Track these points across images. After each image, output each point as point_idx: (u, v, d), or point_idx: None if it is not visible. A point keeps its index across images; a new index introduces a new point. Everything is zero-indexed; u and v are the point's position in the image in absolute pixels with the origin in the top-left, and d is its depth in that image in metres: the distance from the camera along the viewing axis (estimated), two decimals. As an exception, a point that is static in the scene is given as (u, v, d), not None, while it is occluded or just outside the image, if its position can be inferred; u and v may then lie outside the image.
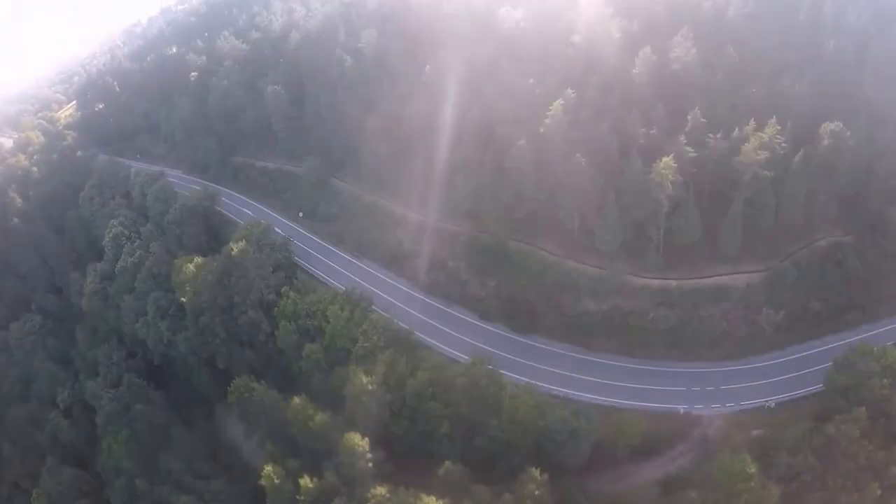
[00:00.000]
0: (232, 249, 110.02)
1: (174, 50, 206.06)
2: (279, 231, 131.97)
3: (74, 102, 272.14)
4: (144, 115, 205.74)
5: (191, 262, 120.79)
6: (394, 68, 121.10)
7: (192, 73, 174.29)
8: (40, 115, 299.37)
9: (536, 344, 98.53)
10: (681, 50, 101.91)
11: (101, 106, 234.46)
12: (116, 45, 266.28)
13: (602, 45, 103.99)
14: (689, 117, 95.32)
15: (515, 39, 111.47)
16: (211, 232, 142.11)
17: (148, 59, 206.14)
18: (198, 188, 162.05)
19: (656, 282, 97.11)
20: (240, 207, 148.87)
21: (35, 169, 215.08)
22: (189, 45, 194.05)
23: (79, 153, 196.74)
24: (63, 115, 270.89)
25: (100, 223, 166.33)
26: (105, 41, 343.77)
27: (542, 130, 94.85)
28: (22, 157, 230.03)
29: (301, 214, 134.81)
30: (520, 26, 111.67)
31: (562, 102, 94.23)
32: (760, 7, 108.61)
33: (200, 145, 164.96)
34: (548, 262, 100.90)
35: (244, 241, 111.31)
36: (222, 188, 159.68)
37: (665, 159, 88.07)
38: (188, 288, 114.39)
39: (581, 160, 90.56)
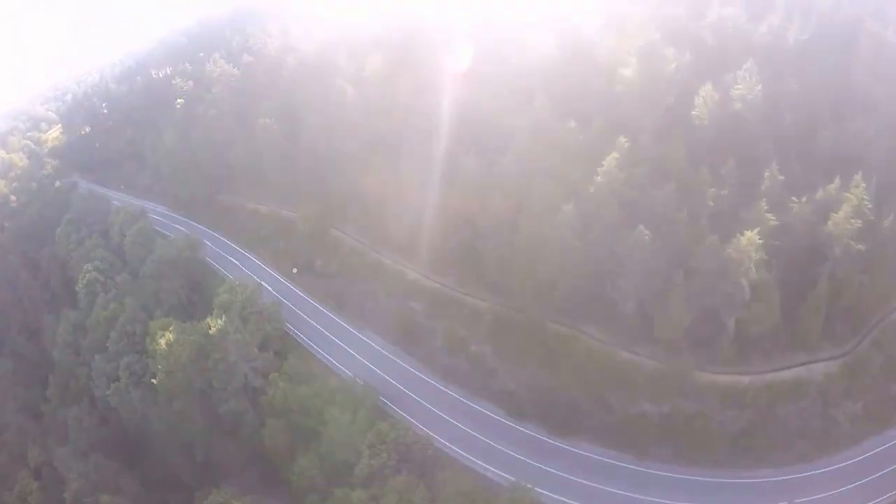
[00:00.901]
0: (210, 326, 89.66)
1: (162, 73, 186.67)
2: (269, 288, 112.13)
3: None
4: (130, 142, 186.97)
5: (166, 330, 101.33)
6: (404, 101, 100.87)
7: (178, 100, 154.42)
8: (28, 135, 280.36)
9: (579, 451, 78.15)
10: (745, 86, 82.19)
11: (87, 129, 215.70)
12: (108, 63, 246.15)
13: (656, 80, 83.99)
14: (766, 174, 75.87)
15: (549, 71, 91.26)
16: (193, 285, 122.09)
17: (135, 81, 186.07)
18: (182, 229, 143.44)
19: (725, 378, 77.26)
20: (226, 256, 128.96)
21: (13, 197, 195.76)
22: (178, 67, 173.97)
23: (57, 183, 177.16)
24: (51, 137, 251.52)
25: (75, 263, 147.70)
26: (103, 57, 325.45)
27: (592, 190, 74.79)
28: (1, 182, 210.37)
29: (295, 270, 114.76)
30: (554, 54, 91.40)
31: (616, 156, 74.11)
32: (819, 32, 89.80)
33: (185, 181, 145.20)
34: (594, 350, 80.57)
35: (224, 316, 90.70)
36: (208, 230, 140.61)
37: (748, 234, 68.32)
38: (160, 367, 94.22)
39: (644, 232, 70.32)
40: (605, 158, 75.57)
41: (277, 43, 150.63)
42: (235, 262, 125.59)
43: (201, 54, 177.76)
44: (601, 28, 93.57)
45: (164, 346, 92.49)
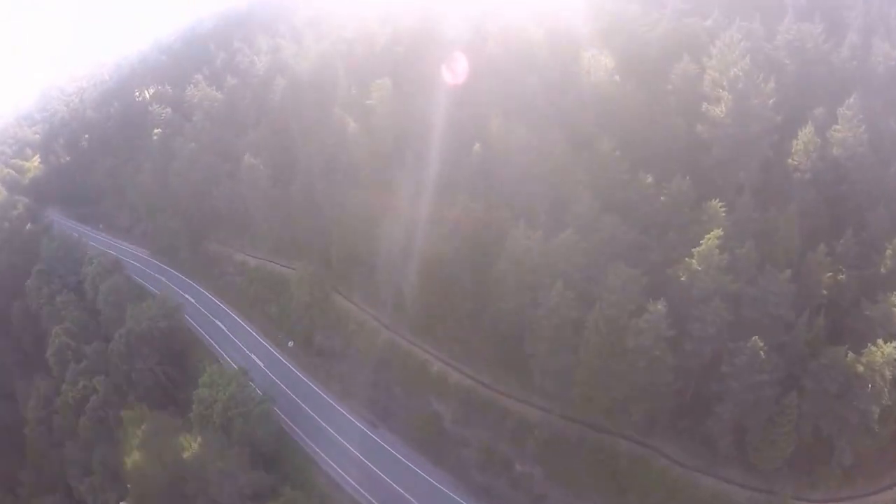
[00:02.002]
0: (183, 449, 68.97)
1: (142, 96, 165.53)
2: (260, 364, 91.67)
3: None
4: (110, 174, 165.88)
5: (138, 426, 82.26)
6: (419, 143, 79.48)
7: (155, 131, 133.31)
8: (11, 161, 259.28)
9: None
10: (846, 127, 61.23)
11: (66, 159, 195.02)
12: (89, 84, 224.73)
13: (752, 120, 62.48)
14: (887, 251, 55.64)
15: (608, 106, 69.62)
16: (173, 356, 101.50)
17: (112, 106, 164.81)
18: (163, 280, 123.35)
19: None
20: (212, 318, 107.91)
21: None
22: (158, 89, 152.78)
23: (28, 226, 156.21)
24: (33, 165, 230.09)
25: (47, 320, 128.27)
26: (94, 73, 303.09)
27: (683, 279, 53.51)
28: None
29: (291, 343, 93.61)
30: (612, 84, 69.80)
31: (718, 233, 52.77)
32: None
33: (164, 226, 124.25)
34: (673, 476, 59.39)
35: (201, 435, 69.78)
36: (192, 282, 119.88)
37: (885, 346, 47.51)
38: (129, 486, 74.02)
39: (759, 344, 49.12)
40: (697, 232, 54.68)
41: (266, 60, 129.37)
42: (222, 326, 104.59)
43: (199, 70, 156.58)
44: (668, 47, 71.69)
45: (132, 467, 71.93)
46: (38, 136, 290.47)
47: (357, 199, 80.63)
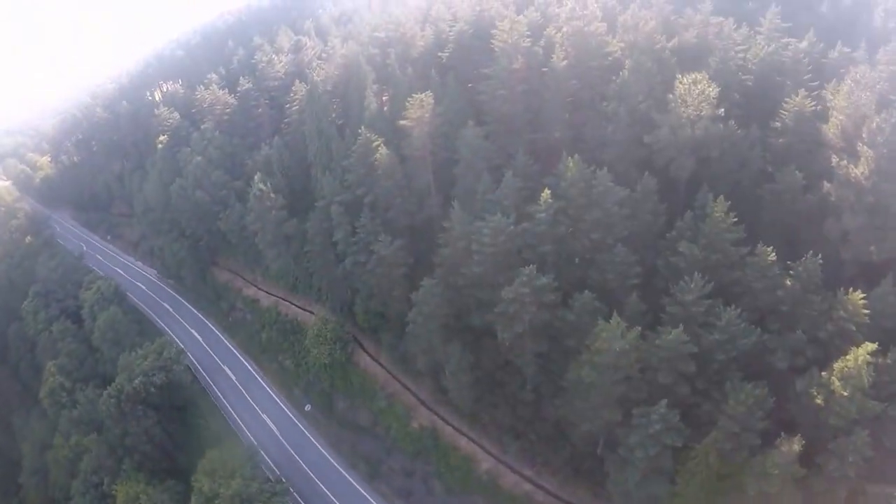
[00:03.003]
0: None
1: (156, 94, 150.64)
2: (273, 429, 76.82)
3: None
4: (119, 180, 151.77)
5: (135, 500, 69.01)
6: (471, 174, 63.03)
7: (160, 139, 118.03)
8: (28, 157, 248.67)
9: None
10: None
11: (76, 159, 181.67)
12: (106, 79, 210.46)
13: None
14: None
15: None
16: (174, 412, 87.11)
17: (122, 106, 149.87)
18: (167, 308, 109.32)
19: None
20: (221, 364, 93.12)
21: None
22: (168, 89, 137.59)
23: (28, 239, 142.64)
24: (45, 163, 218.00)
25: (43, 351, 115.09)
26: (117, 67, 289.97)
27: (818, 401, 37.26)
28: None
29: (308, 407, 78.26)
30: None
31: None
32: None
33: (169, 247, 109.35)
34: None
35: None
36: (199, 314, 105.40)
37: None
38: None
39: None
40: (831, 332, 39.13)
41: (287, 62, 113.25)
42: (231, 376, 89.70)
43: (211, 70, 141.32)
44: (766, 73, 54.75)
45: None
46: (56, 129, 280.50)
47: (387, 245, 64.22)
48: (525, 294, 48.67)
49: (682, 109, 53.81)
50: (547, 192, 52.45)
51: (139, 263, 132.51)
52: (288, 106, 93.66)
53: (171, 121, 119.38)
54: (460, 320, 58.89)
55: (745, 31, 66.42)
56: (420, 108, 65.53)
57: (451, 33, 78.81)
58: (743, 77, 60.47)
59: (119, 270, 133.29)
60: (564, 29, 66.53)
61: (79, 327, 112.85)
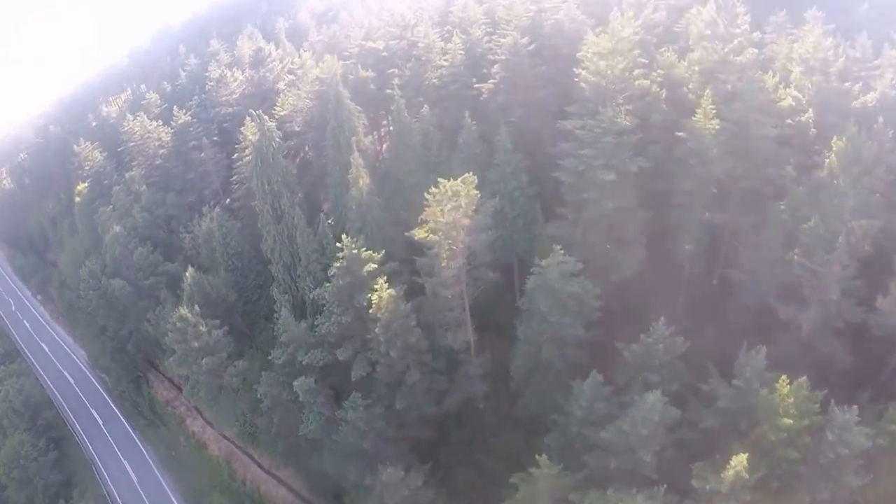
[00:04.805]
0: None
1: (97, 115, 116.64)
2: None
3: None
4: (53, 221, 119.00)
5: None
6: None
7: (78, 188, 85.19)
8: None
9: None
10: None
11: (11, 187, 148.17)
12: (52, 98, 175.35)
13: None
14: None
15: None
16: None
17: (48, 132, 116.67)
18: (98, 423, 79.04)
19: None
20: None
21: None
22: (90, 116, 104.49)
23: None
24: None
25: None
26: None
27: None
28: None
29: None
30: None
31: None
32: None
33: (92, 337, 77.64)
34: None
35: None
36: (136, 437, 74.41)
37: None
38: None
39: None
40: None
41: (245, 79, 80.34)
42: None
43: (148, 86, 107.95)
44: None
45: None
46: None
47: (396, 476, 32.28)
48: None
49: None
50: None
51: (69, 339, 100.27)
52: (236, 156, 60.63)
53: (91, 162, 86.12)
54: None
55: None
56: (452, 204, 33.16)
57: (492, 46, 46.27)
58: None
59: (45, 348, 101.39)
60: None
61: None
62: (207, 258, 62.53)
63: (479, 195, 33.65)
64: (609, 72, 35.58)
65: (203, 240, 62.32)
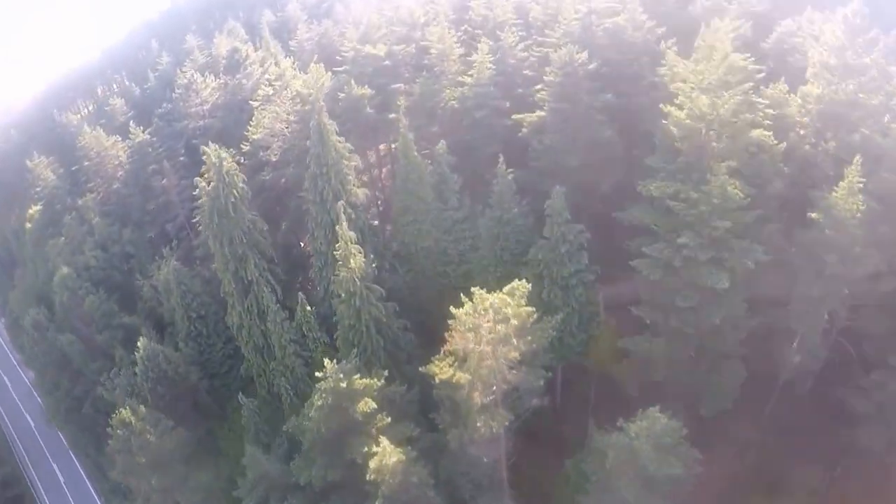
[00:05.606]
0: None
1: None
2: None
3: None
4: (16, 235, 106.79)
5: None
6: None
7: (31, 210, 73.45)
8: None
9: None
10: None
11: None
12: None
13: None
14: None
15: None
16: None
17: (11, 134, 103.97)
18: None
19: None
20: None
21: None
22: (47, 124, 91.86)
23: None
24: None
25: None
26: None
27: None
28: None
29: None
30: None
31: None
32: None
33: (46, 395, 66.49)
34: None
35: None
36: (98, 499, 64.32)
37: None
38: None
39: None
40: None
41: (218, 86, 68.12)
42: None
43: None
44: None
45: None
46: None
47: None
48: None
49: None
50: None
51: (31, 374, 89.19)
52: (195, 191, 48.46)
53: (44, 181, 73.94)
54: None
55: None
56: (483, 324, 21.88)
57: (529, 56, 34.77)
58: None
59: (6, 380, 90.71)
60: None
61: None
62: (170, 312, 51.24)
63: (533, 312, 22.30)
64: (713, 113, 24.10)
65: (164, 289, 50.90)
